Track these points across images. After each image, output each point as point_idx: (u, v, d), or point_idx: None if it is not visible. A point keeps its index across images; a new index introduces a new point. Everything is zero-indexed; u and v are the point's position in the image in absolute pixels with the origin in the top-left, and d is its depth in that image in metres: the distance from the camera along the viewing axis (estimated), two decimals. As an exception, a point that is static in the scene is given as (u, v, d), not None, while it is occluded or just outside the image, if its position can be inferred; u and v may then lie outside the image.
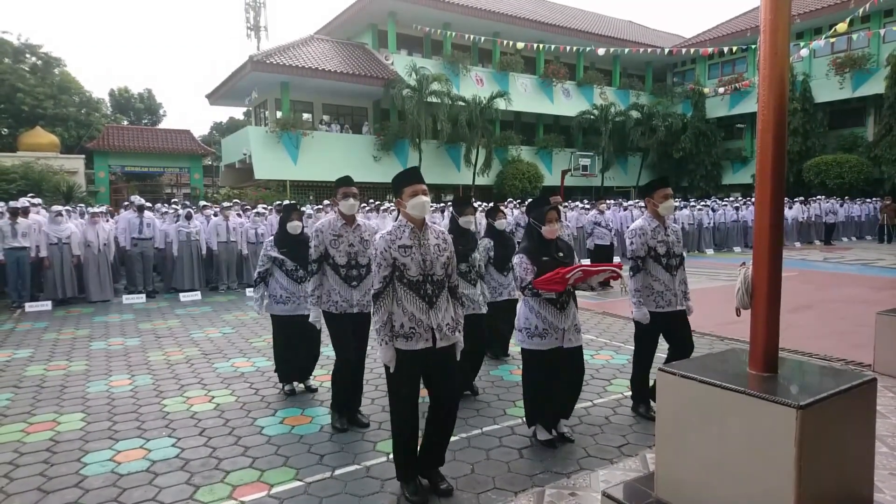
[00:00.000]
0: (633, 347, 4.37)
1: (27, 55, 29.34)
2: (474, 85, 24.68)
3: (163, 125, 38.86)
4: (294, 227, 4.81)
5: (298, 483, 3.29)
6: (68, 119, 29.10)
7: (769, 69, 2.47)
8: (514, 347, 5.37)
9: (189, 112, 74.84)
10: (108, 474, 3.45)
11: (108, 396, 4.87)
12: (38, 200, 11.87)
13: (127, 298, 9.82)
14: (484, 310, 4.71)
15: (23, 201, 10.12)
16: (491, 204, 6.99)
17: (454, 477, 3.28)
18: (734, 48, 22.73)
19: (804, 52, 20.55)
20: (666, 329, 4.15)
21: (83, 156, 23.35)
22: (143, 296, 10.01)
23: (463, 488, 3.18)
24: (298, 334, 4.74)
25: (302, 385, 5.00)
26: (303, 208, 12.72)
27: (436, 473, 3.15)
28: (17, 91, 26.81)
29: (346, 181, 4.09)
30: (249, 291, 10.42)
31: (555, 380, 3.66)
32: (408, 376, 2.99)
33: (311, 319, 4.06)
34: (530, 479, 3.30)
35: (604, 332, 7.04)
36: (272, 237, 4.93)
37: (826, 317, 7.62)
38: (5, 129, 28.57)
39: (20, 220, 9.32)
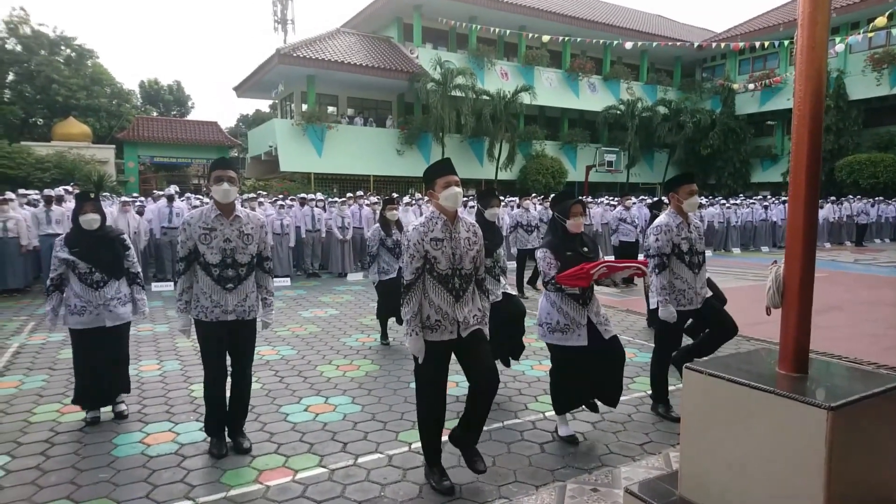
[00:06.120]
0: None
1: (62, 47, 30.07)
2: (499, 79, 24.55)
3: (191, 117, 39.51)
4: (89, 220, 3.95)
5: (322, 470, 3.35)
6: (100, 109, 29.78)
7: (806, 64, 2.41)
8: (539, 343, 5.36)
9: (216, 104, 75.97)
10: (138, 455, 3.55)
11: (137, 381, 4.99)
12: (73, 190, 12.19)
13: (156, 286, 10.04)
14: (509, 292, 4.66)
15: (59, 190, 10.41)
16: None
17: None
18: (766, 43, 22.25)
19: (840, 47, 19.98)
20: (702, 320, 4.12)
21: (114, 146, 23.93)
22: (172, 283, 10.21)
23: (484, 480, 3.20)
24: (100, 350, 4.00)
25: (110, 410, 4.17)
26: (328, 200, 12.87)
27: (472, 450, 3.17)
28: (52, 82, 27.54)
29: (221, 163, 3.49)
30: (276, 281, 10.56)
31: (585, 376, 3.65)
32: (435, 367, 3.01)
33: (178, 329, 3.57)
34: (551, 473, 3.30)
35: (626, 329, 6.99)
36: (63, 235, 4.10)
37: (856, 319, 7.44)
38: (41, 120, 29.36)
39: (54, 207, 9.59)
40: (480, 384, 3.04)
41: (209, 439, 3.65)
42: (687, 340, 4.92)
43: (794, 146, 2.47)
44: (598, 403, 3.86)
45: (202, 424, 3.95)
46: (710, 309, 4.08)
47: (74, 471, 3.35)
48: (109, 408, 4.19)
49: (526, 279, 9.50)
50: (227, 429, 3.65)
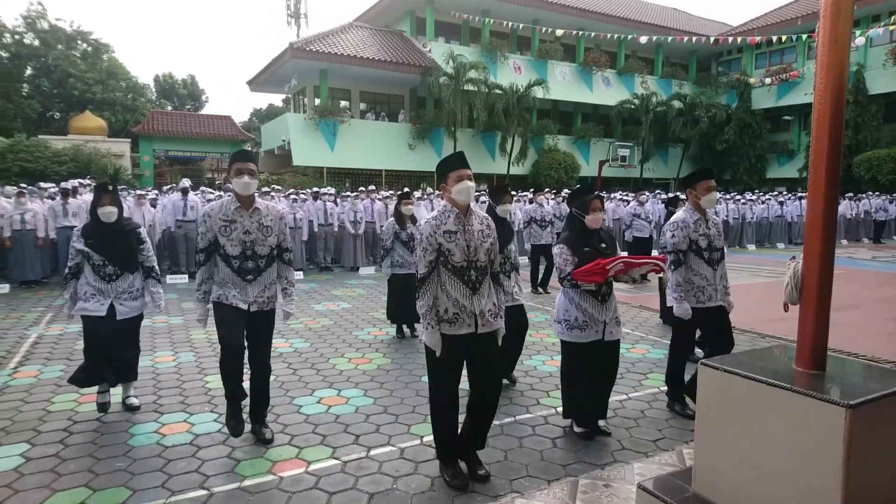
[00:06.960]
0: (669, 342, 4.31)
1: (79, 42, 30.37)
2: (512, 73, 24.42)
3: (205, 111, 39.74)
4: (106, 213, 3.95)
5: (335, 461, 3.37)
6: (115, 104, 30.05)
7: (828, 56, 2.36)
8: (551, 338, 5.35)
9: (230, 98, 76.35)
10: (153, 445, 3.59)
11: (153, 372, 5.06)
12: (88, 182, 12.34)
13: (171, 278, 10.13)
14: (518, 300, 4.66)
15: (73, 183, 10.53)
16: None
17: (487, 462, 3.30)
18: (783, 37, 21.86)
19: (860, 40, 19.65)
20: (705, 324, 4.07)
21: (129, 139, 24.14)
22: (186, 276, 10.31)
23: (496, 474, 3.20)
24: (108, 338, 3.99)
25: (120, 402, 4.19)
26: (341, 194, 12.91)
27: (474, 458, 3.19)
28: (68, 76, 27.85)
29: (242, 155, 3.50)
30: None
31: (592, 373, 3.63)
32: (450, 360, 3.00)
33: (196, 318, 3.64)
34: (564, 468, 3.30)
35: (640, 325, 6.94)
36: (81, 226, 4.12)
37: (873, 317, 7.34)
38: (57, 114, 29.70)
39: (70, 200, 9.71)
40: (484, 386, 3.05)
41: (224, 428, 3.68)
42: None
43: (813, 140, 2.43)
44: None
45: (217, 416, 4.00)
46: (715, 321, 4.02)
47: (92, 459, 3.40)
48: (120, 399, 4.24)
49: (540, 275, 9.44)
50: (249, 417, 3.70)
